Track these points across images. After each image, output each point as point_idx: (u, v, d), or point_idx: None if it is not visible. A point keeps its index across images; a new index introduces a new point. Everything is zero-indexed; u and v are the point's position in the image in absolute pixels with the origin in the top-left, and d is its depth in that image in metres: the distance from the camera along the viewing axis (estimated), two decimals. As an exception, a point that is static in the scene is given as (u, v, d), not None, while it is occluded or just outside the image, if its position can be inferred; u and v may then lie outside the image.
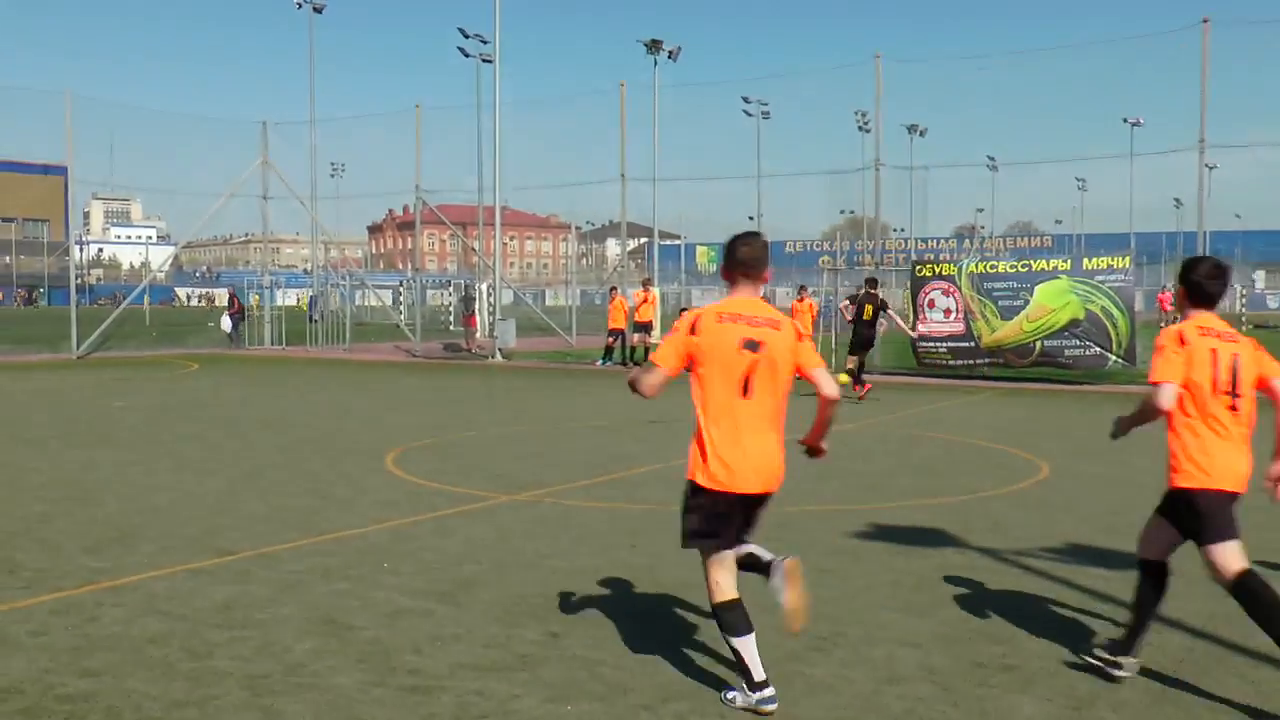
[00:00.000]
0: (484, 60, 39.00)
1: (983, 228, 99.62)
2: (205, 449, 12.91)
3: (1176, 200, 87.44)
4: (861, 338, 19.54)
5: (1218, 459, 5.24)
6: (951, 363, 23.28)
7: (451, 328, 45.69)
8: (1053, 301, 22.20)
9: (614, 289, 30.14)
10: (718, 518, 5.13)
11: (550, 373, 25.66)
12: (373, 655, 5.64)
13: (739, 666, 5.01)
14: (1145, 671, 5.45)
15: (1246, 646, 5.83)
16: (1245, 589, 5.15)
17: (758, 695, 4.94)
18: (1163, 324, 36.68)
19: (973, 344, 22.93)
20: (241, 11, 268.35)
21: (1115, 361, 21.91)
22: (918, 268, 24.45)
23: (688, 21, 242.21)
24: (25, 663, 5.47)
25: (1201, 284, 5.31)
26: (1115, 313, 21.81)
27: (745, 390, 4.98)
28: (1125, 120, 74.46)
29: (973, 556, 7.79)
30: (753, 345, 4.95)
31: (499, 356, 30.10)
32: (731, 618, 5.02)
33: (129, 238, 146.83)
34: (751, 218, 71.78)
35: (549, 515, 9.20)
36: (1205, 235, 25.34)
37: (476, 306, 39.28)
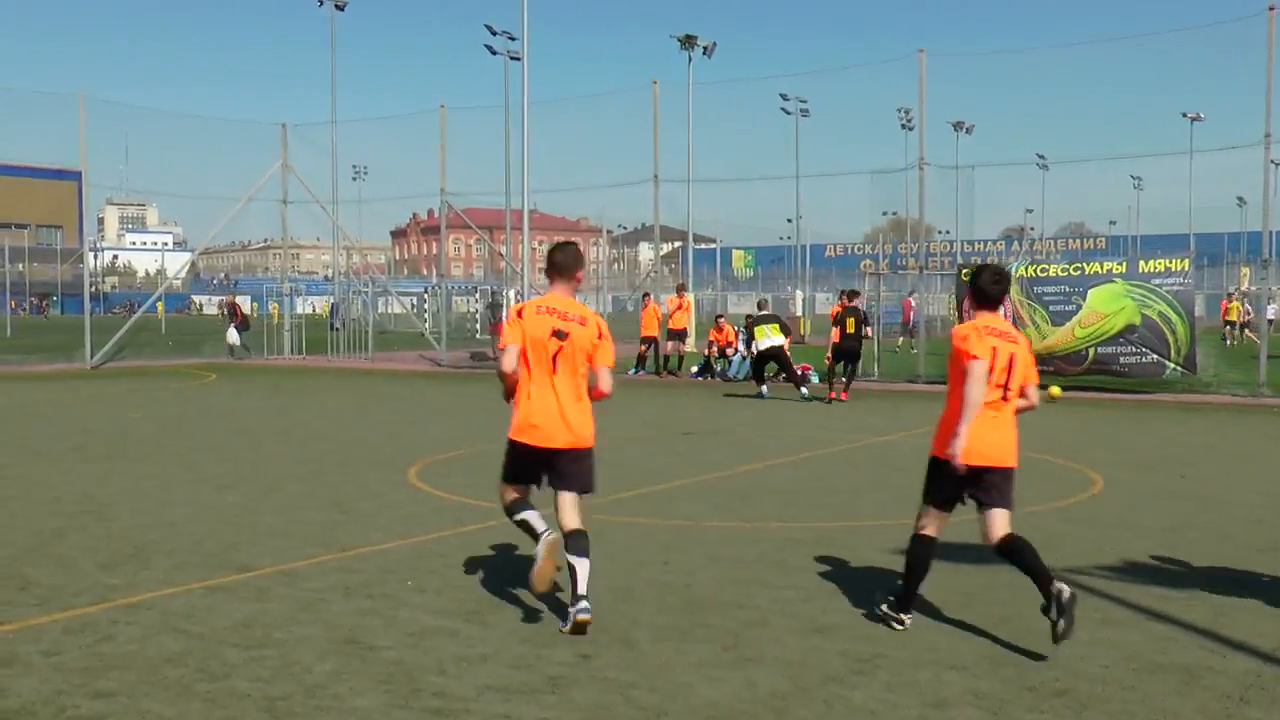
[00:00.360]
0: (512, 58, 39.16)
1: (1032, 229, 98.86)
2: (223, 462, 13.01)
3: (1240, 199, 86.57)
4: (843, 350, 20.75)
5: (986, 437, 6.34)
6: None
7: (478, 336, 45.88)
8: (1107, 306, 22.01)
9: (647, 295, 30.14)
10: (519, 464, 6.73)
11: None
12: (396, 676, 5.65)
13: (525, 528, 6.64)
14: (1208, 698, 5.38)
15: (1315, 670, 5.74)
16: (1010, 550, 6.39)
17: (542, 538, 6.44)
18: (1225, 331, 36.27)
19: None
20: (260, 10, 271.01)
21: (1174, 369, 21.70)
22: (964, 272, 24.30)
23: (723, 17, 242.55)
24: (37, 683, 5.53)
25: (985, 289, 6.49)
26: (1174, 318, 21.60)
27: (554, 368, 6.56)
28: (1184, 115, 73.65)
29: (1021, 574, 7.70)
30: (560, 335, 6.54)
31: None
32: (512, 508, 6.75)
33: (145, 244, 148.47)
34: (790, 220, 71.83)
35: (578, 531, 9.19)
36: (1271, 236, 25.01)
37: (504, 314, 39.44)
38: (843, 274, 68.76)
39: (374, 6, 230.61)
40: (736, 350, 26.30)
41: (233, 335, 34.83)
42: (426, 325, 43.73)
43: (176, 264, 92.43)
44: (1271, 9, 22.04)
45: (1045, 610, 6.00)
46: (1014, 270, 23.50)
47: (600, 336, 6.65)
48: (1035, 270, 23.62)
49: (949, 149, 68.21)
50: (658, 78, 31.78)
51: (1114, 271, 22.48)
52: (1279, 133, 22.54)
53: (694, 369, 27.24)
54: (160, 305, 39.36)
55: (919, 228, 33.32)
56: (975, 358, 6.25)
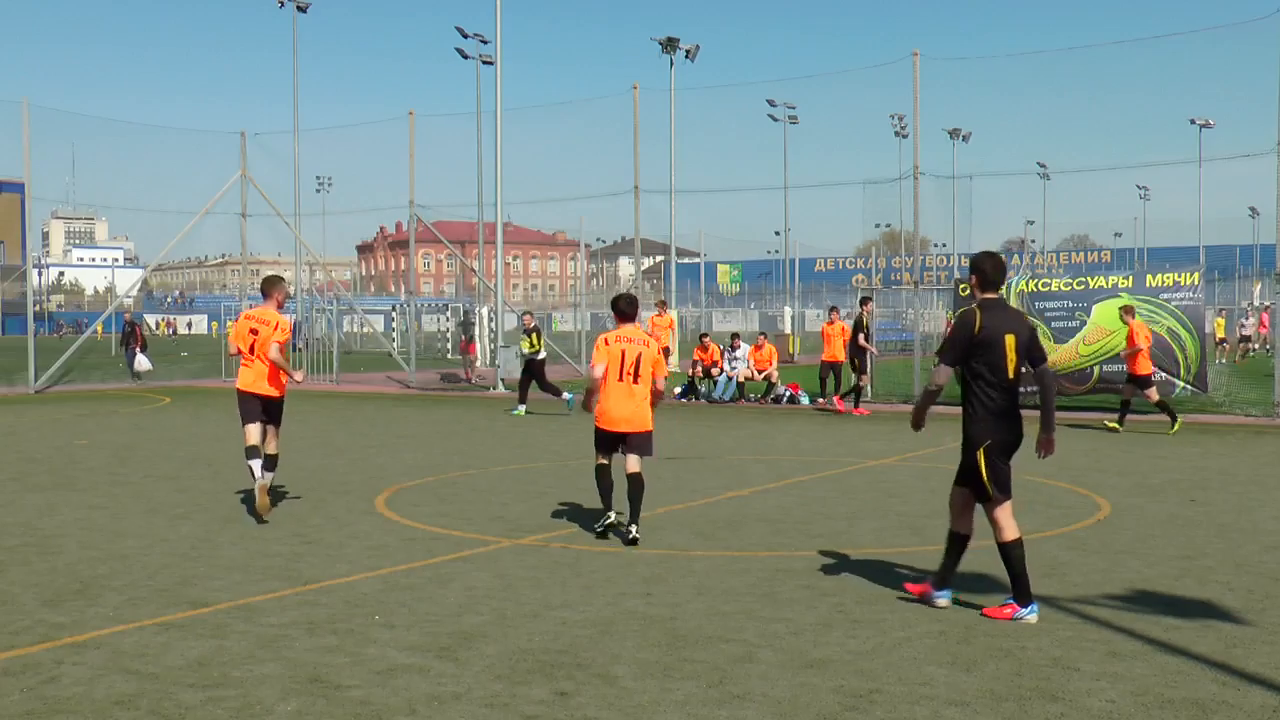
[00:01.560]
0: (484, 62, 39.37)
1: (1033, 242, 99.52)
2: (178, 491, 12.96)
3: (1252, 209, 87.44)
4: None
5: (609, 411, 10.15)
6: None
7: (449, 356, 45.85)
8: (1112, 323, 22.12)
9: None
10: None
11: (558, 404, 25.65)
12: (363, 717, 5.64)
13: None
14: (1220, 732, 5.41)
15: (1333, 703, 5.77)
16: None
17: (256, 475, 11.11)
18: (1267, 347, 36.16)
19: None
20: (217, 12, 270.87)
21: (1183, 388, 21.83)
22: (962, 286, 24.42)
23: (707, 20, 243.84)
24: (-20, 726, 5.49)
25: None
26: (1183, 334, 21.75)
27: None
28: (1193, 122, 74.44)
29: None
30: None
31: (501, 387, 30.16)
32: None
33: (93, 260, 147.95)
34: (778, 232, 72.04)
35: (557, 561, 9.20)
36: (1284, 247, 25.21)
37: (476, 333, 39.41)
38: (834, 289, 69.02)
39: (338, 8, 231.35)
40: (722, 370, 26.36)
41: (142, 361, 33.68)
42: (394, 345, 43.69)
43: (127, 281, 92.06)
44: (1282, 10, 22.26)
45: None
46: (1014, 285, 23.64)
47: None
48: (1037, 285, 23.76)
49: (945, 158, 68.85)
50: (638, 82, 31.94)
51: (1120, 286, 22.64)
52: (1292, 139, 22.71)
53: (677, 390, 27.27)
54: (100, 325, 38.99)
55: (913, 240, 33.49)
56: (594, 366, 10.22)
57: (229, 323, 13.36)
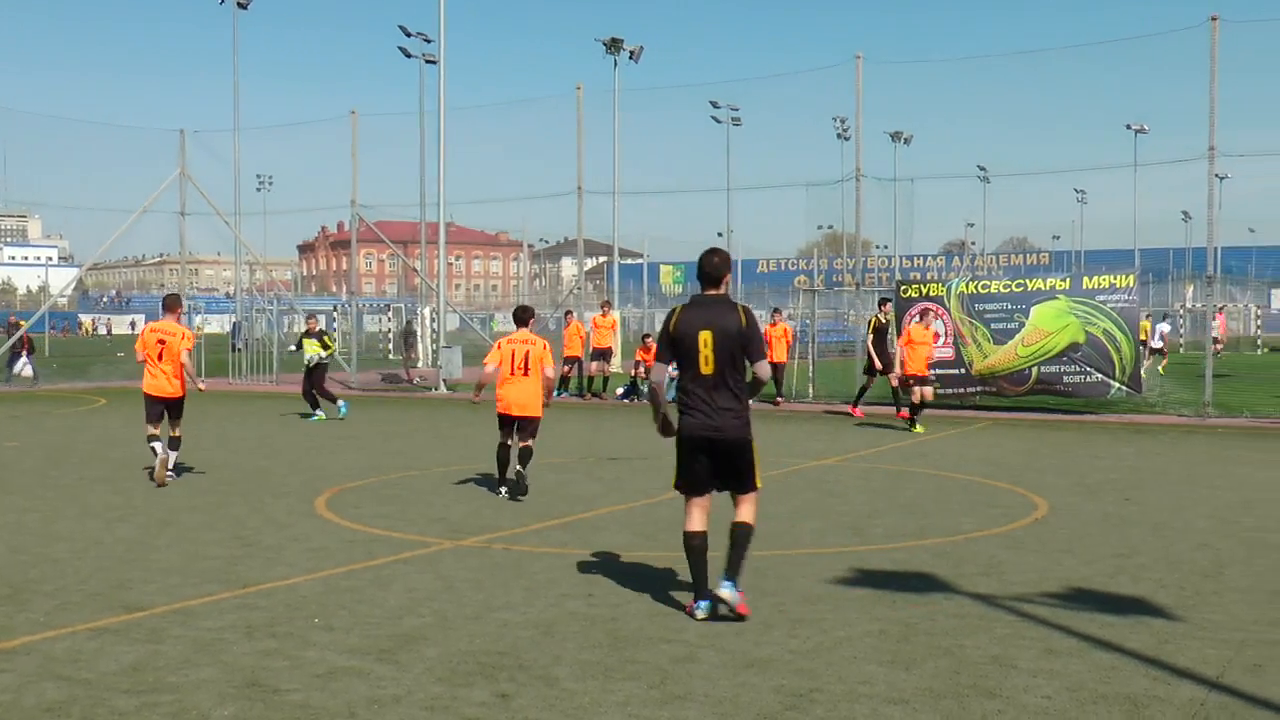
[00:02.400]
0: (428, 61, 39.08)
1: (973, 244, 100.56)
2: (113, 493, 12.78)
3: (1185, 213, 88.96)
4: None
5: (505, 398, 12.55)
6: (940, 391, 23.42)
7: (391, 357, 45.55)
8: (1050, 324, 22.43)
9: (569, 313, 30.16)
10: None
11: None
12: (300, 721, 5.59)
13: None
14: (1153, 727, 5.50)
15: (1265, 698, 5.88)
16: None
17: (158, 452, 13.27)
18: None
19: (963, 371, 23.11)
20: (155, 7, 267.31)
21: (1118, 389, 22.15)
22: (903, 288, 24.65)
23: (651, 21, 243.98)
24: (-93, 734, 5.38)
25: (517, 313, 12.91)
26: (1118, 336, 22.05)
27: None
28: (1129, 127, 75.52)
29: (964, 603, 7.83)
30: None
31: (443, 388, 30.01)
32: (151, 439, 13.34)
33: (26, 259, 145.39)
34: (721, 234, 72.26)
35: (498, 563, 9.18)
36: (1216, 251, 25.70)
37: (419, 334, 39.21)
38: (776, 290, 69.32)
39: (279, 5, 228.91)
40: (665, 371, 26.37)
41: (23, 365, 32.69)
42: (336, 345, 43.33)
43: (62, 280, 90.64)
44: (1214, 19, 22.66)
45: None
46: (954, 287, 23.88)
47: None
48: (976, 287, 23.99)
49: (887, 160, 69.39)
50: (582, 83, 31.86)
51: (1057, 288, 22.91)
52: (1224, 145, 23.18)
53: (620, 390, 27.28)
54: (23, 324, 38.27)
55: (855, 242, 33.71)
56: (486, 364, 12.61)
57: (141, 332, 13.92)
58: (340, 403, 22.57)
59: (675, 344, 7.55)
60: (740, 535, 7.52)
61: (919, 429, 19.40)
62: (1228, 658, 6.56)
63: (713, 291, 7.62)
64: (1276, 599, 7.97)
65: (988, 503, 12.11)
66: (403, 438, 19.10)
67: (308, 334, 23.24)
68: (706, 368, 7.46)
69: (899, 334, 21.90)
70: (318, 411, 22.55)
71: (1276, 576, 8.65)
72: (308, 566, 9.00)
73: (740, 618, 7.32)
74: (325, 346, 23.00)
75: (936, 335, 23.25)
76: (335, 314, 54.09)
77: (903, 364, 20.13)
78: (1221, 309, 45.94)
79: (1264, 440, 18.30)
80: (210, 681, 6.15)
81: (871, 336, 23.15)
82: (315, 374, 22.84)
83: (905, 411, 21.14)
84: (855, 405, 22.89)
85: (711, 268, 7.62)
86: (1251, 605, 7.78)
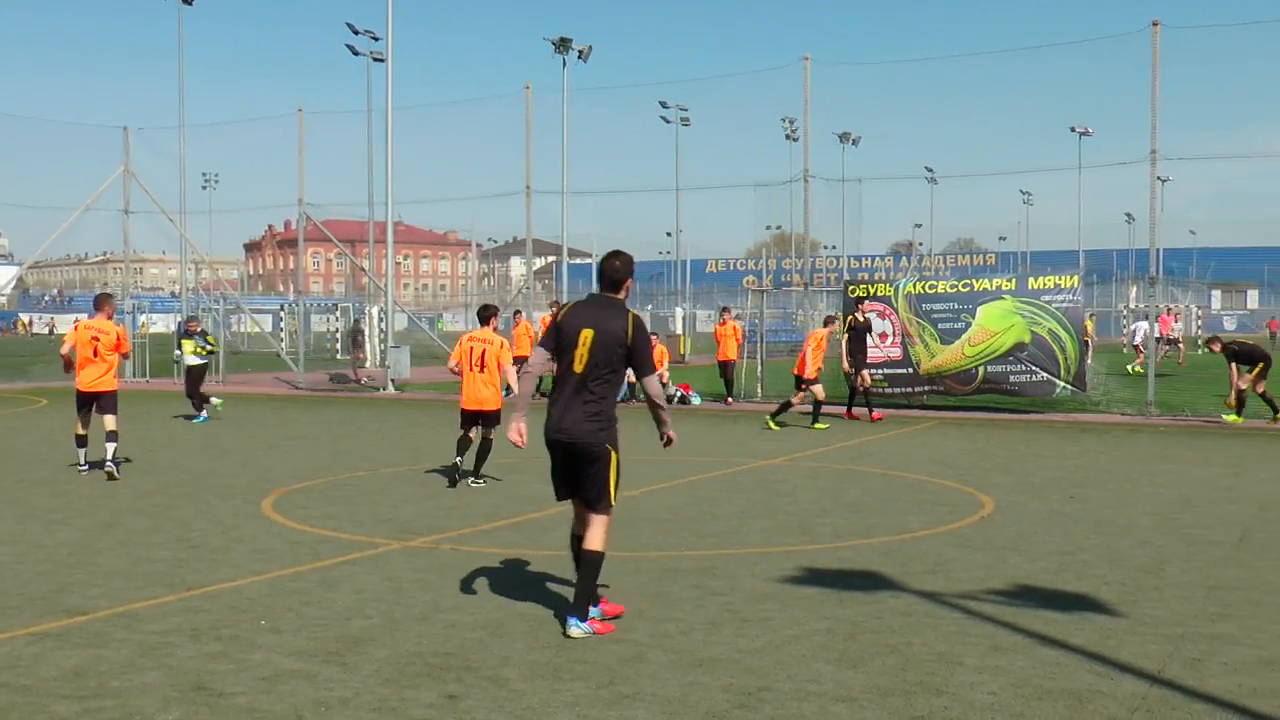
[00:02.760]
0: (375, 59, 38.88)
1: (921, 244, 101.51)
2: (55, 496, 12.60)
3: (1128, 215, 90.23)
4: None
5: (466, 394, 13.30)
6: (888, 391, 23.61)
7: (338, 356, 45.24)
8: (996, 324, 22.65)
9: (518, 312, 30.09)
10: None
11: (448, 406, 25.44)
12: (246, 724, 5.54)
13: None
14: (1095, 722, 5.57)
15: (1204, 691, 5.98)
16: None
17: (80, 461, 13.40)
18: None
19: (910, 370, 23.30)
20: (98, 1, 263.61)
21: (1064, 388, 22.41)
22: (851, 288, 24.80)
23: (600, 21, 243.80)
24: None
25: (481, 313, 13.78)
26: (1063, 336, 22.32)
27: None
28: (1073, 130, 76.45)
29: (911, 601, 7.90)
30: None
31: (391, 388, 29.85)
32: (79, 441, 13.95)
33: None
34: (669, 234, 72.47)
35: (447, 563, 9.14)
36: (1158, 253, 26.05)
37: (367, 334, 38.95)
38: (725, 290, 69.57)
39: (225, 1, 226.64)
40: (616, 370, 26.38)
41: None
42: (283, 345, 43.00)
43: (1, 279, 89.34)
44: (1155, 24, 22.98)
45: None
46: (901, 287, 24.05)
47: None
48: (924, 287, 24.18)
49: (835, 161, 69.78)
50: (531, 83, 31.81)
51: (1003, 288, 23.15)
52: (1166, 149, 23.55)
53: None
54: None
55: (804, 243, 33.88)
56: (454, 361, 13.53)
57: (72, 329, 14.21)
58: (202, 414, 22.00)
59: (559, 336, 7.31)
60: (586, 563, 7.20)
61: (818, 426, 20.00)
62: (1168, 652, 6.66)
63: (611, 294, 7.40)
64: (1215, 594, 8.10)
65: (935, 501, 12.21)
66: (350, 438, 18.97)
67: (187, 334, 22.98)
68: (578, 366, 7.23)
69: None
70: (203, 413, 22.14)
71: (1215, 572, 8.79)
72: (254, 568, 8.92)
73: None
74: (206, 348, 22.72)
75: (884, 335, 23.46)
76: (282, 314, 53.71)
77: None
78: (1174, 312, 46.60)
79: (1204, 439, 18.59)
80: (154, 686, 6.09)
81: (848, 336, 22.78)
82: (193, 374, 22.63)
83: (854, 412, 21.36)
84: (850, 409, 21.98)
85: (612, 270, 7.38)
86: (1191, 600, 7.90)
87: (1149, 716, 5.64)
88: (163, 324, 66.22)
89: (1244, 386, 20.33)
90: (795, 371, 20.45)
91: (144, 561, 9.19)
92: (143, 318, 39.81)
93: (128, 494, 12.72)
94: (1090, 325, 43.02)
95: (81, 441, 14.26)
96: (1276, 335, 57.26)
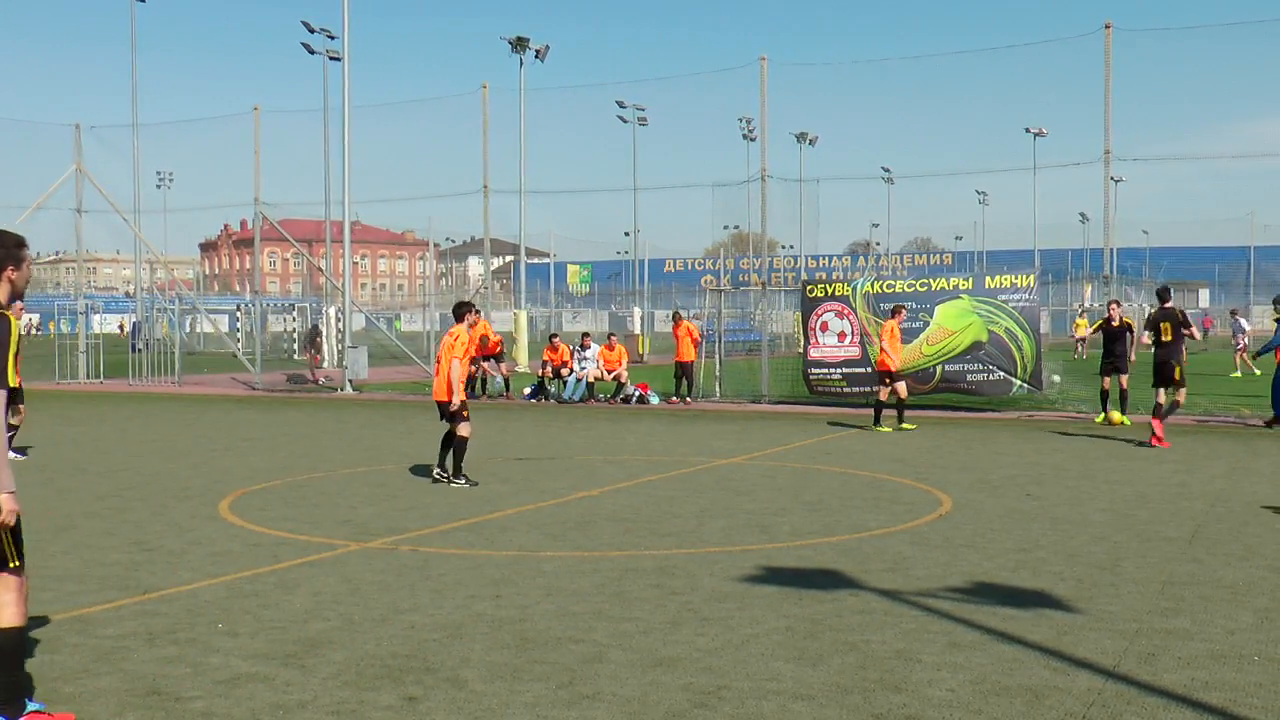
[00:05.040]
0: (332, 58, 38.65)
1: (878, 244, 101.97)
2: (7, 498, 12.43)
3: (1082, 215, 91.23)
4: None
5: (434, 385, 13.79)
6: (846, 390, 23.72)
7: (295, 357, 44.94)
8: (954, 323, 22.80)
9: (477, 311, 29.99)
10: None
11: (407, 406, 25.35)
12: (203, 728, 5.49)
13: None
14: (1052, 718, 5.62)
15: (1158, 686, 6.05)
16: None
17: None
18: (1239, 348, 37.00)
19: (869, 369, 23.39)
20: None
21: (1020, 386, 22.59)
22: (809, 288, 24.90)
23: (558, 21, 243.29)
24: None
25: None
26: (1020, 334, 22.49)
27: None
28: (1028, 130, 77.07)
29: (870, 599, 7.93)
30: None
31: (349, 388, 29.68)
32: None
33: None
34: (627, 233, 72.49)
35: (405, 564, 9.10)
36: (1113, 252, 26.34)
37: (325, 334, 38.71)
38: (683, 290, 69.63)
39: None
40: (571, 371, 26.38)
41: None
42: (239, 346, 42.66)
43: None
44: (1108, 26, 23.22)
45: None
46: (859, 286, 24.17)
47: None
48: (882, 287, 24.29)
49: (793, 161, 69.80)
50: (488, 82, 31.77)
51: (961, 288, 23.30)
52: (1119, 149, 23.89)
53: (527, 390, 27.20)
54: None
55: (761, 242, 33.96)
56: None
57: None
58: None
59: None
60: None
61: (884, 429, 19.31)
62: (1123, 647, 6.73)
63: None
64: (1169, 589, 8.19)
65: (893, 500, 12.28)
66: (308, 439, 18.85)
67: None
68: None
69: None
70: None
71: (1169, 568, 8.89)
72: (211, 571, 8.85)
73: None
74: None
75: (843, 334, 23.56)
76: (239, 314, 53.27)
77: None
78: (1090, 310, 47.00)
79: (1158, 436, 18.76)
80: (109, 691, 6.02)
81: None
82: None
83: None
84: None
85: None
86: (1145, 596, 7.99)
87: (1105, 711, 5.70)
88: (114, 324, 65.61)
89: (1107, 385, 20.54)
90: (879, 368, 20.01)
91: (98, 565, 9.09)
92: (96, 318, 39.40)
93: (81, 497, 12.58)
94: (1083, 323, 43.49)
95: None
96: (1209, 331, 58.32)
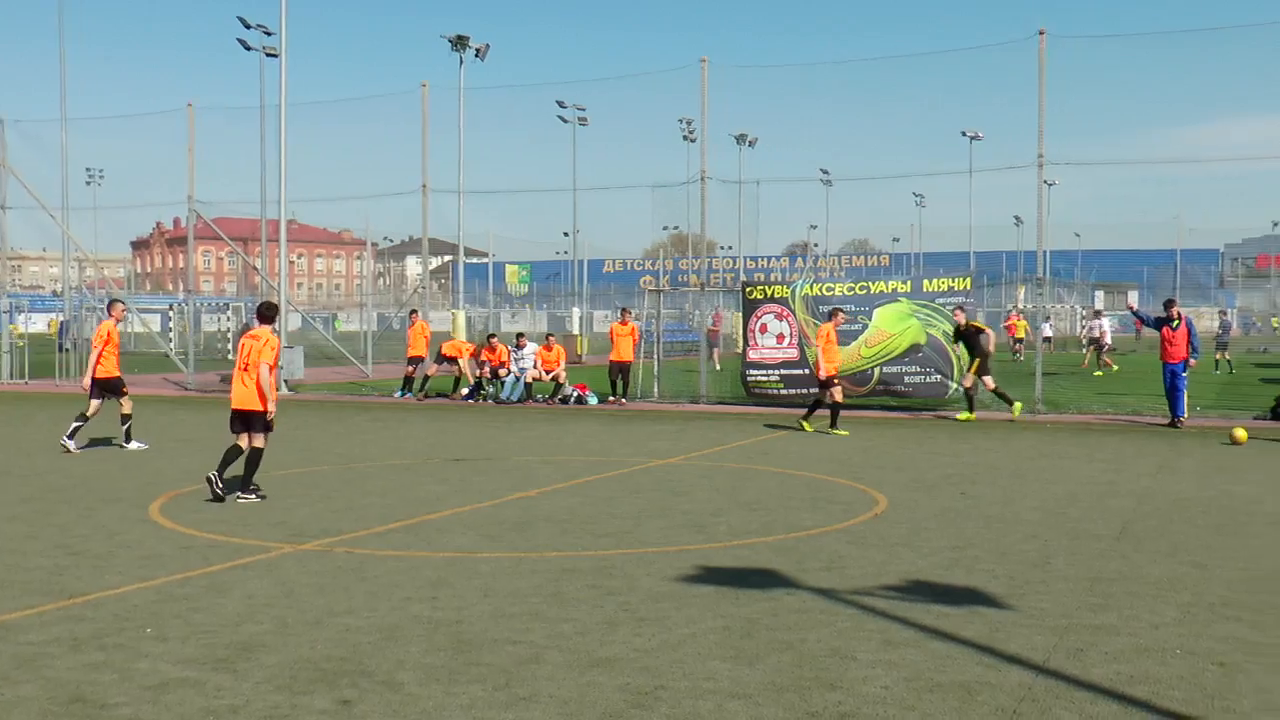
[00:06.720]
0: (268, 54, 38.27)
1: (816, 245, 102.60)
2: (-70, 501, 12.18)
3: (1016, 218, 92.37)
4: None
5: (231, 392, 12.80)
6: (784, 392, 23.84)
7: (229, 357, 44.42)
8: (892, 326, 22.98)
9: (414, 312, 29.84)
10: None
11: (343, 406, 25.15)
12: (131, 734, 5.41)
13: None
14: (984, 713, 5.68)
15: (1086, 680, 6.14)
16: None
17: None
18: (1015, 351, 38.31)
19: (807, 371, 23.52)
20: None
21: (956, 388, 22.81)
22: (748, 290, 25.00)
23: (498, 20, 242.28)
24: None
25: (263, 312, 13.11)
26: (957, 337, 22.67)
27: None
28: (964, 134, 77.89)
29: (806, 598, 7.98)
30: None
31: (285, 389, 29.37)
32: None
33: None
34: (567, 233, 72.38)
35: (340, 566, 9.02)
36: (1046, 255, 26.65)
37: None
38: (622, 290, 69.70)
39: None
40: (509, 371, 26.29)
41: None
42: (172, 346, 42.08)
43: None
44: (1042, 33, 23.53)
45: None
46: (798, 289, 24.30)
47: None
48: (821, 289, 24.43)
49: (732, 162, 70.03)
50: (428, 80, 31.50)
51: (899, 290, 23.50)
52: (1052, 154, 24.13)
53: (464, 391, 27.08)
54: None
55: (701, 243, 34.02)
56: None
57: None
58: None
59: None
60: None
61: (842, 431, 19.08)
62: (1053, 643, 6.83)
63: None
64: (1097, 586, 8.32)
65: (829, 499, 12.36)
66: (241, 441, 18.60)
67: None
68: None
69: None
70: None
71: (1098, 565, 9.03)
72: (140, 575, 8.72)
73: None
74: None
75: (781, 336, 23.67)
76: (171, 313, 52.57)
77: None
78: (1022, 313, 47.61)
79: (1089, 435, 19.07)
80: (30, 699, 5.91)
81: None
82: None
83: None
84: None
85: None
86: (1075, 593, 8.11)
87: (1035, 706, 5.78)
88: (43, 323, 64.49)
89: (968, 384, 21.36)
90: (821, 374, 19.60)
91: (20, 570, 8.92)
92: (20, 317, 38.68)
93: (4, 499, 12.34)
94: (1024, 324, 44.00)
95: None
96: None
